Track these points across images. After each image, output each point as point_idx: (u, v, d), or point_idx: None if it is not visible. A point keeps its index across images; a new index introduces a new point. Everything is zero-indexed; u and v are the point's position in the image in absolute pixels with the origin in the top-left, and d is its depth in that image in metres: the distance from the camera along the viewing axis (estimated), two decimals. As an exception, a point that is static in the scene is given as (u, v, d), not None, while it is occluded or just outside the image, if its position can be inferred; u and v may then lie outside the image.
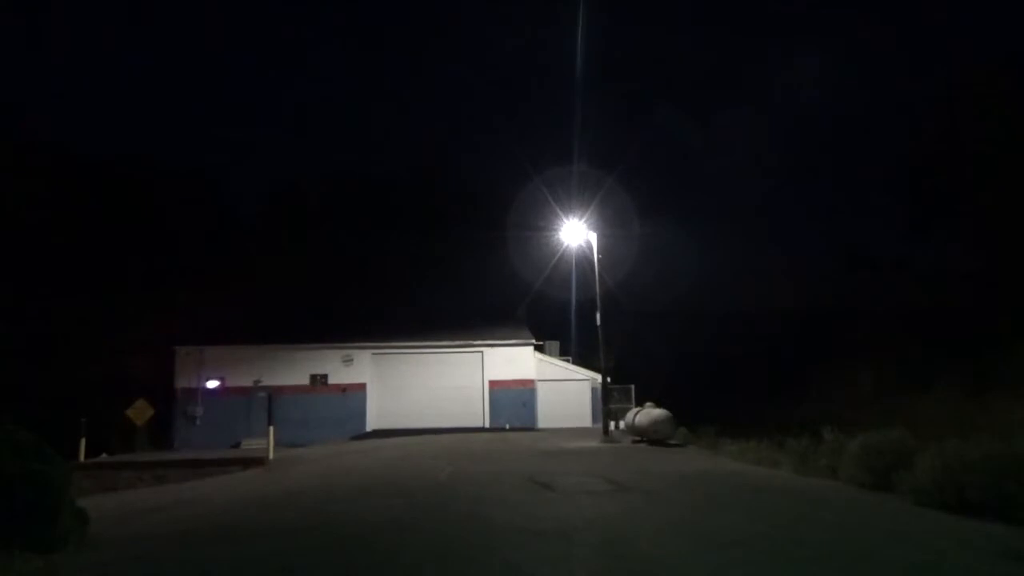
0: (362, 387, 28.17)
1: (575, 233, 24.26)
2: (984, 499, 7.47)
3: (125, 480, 17.25)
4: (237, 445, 24.72)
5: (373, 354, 28.55)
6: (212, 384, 27.20)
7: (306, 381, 28.05)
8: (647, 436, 19.53)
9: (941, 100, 34.10)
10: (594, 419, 27.71)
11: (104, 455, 21.88)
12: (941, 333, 23.93)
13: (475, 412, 28.27)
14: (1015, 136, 26.74)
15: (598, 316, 22.94)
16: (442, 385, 28.51)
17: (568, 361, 31.02)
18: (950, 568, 5.70)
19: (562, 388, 29.05)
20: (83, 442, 20.22)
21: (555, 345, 32.07)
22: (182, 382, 27.30)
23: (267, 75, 75.79)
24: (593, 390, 28.36)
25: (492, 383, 28.64)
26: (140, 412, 23.37)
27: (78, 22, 64.55)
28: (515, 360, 28.88)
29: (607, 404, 23.18)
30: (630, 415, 21.79)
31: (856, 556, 6.13)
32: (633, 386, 28.74)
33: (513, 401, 28.37)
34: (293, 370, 27.97)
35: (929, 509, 8.03)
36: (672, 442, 19.12)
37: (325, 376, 28.22)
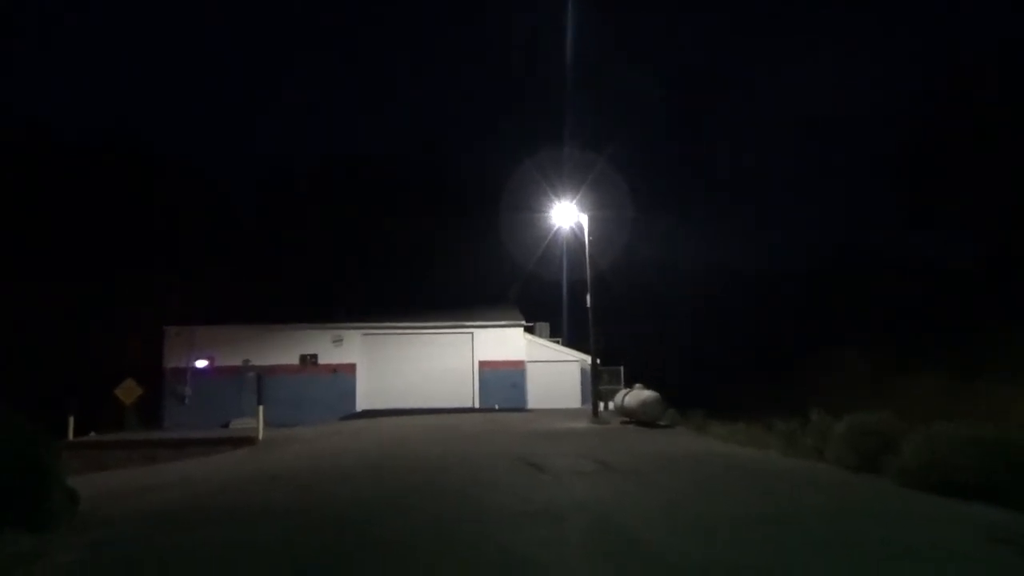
0: (352, 368, 28.17)
1: (566, 215, 24.23)
2: (970, 481, 7.56)
3: (115, 459, 17.17)
4: (227, 425, 24.67)
5: (364, 334, 28.52)
6: (201, 364, 27.14)
7: (296, 361, 28.02)
8: (636, 417, 19.65)
9: (936, 93, 34.21)
10: (583, 400, 27.87)
11: (93, 434, 21.80)
12: (932, 321, 24.15)
13: (465, 393, 28.35)
14: (1003, 130, 26.87)
15: (588, 298, 22.97)
16: (433, 366, 28.55)
17: (558, 343, 31.12)
18: (938, 550, 5.77)
19: (552, 369, 29.16)
20: (71, 421, 20.14)
21: (545, 327, 32.15)
22: (171, 362, 27.22)
23: (261, 58, 74.84)
24: (583, 371, 28.49)
25: (482, 364, 28.70)
26: (128, 391, 23.26)
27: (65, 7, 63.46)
28: (506, 341, 28.94)
29: (596, 385, 23.28)
30: (619, 396, 21.91)
31: (844, 537, 6.21)
32: (622, 367, 28.90)
33: (503, 382, 28.45)
34: (283, 350, 27.93)
35: (916, 491, 8.13)
36: (661, 423, 19.26)
37: (315, 356, 28.19)
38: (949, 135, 29.63)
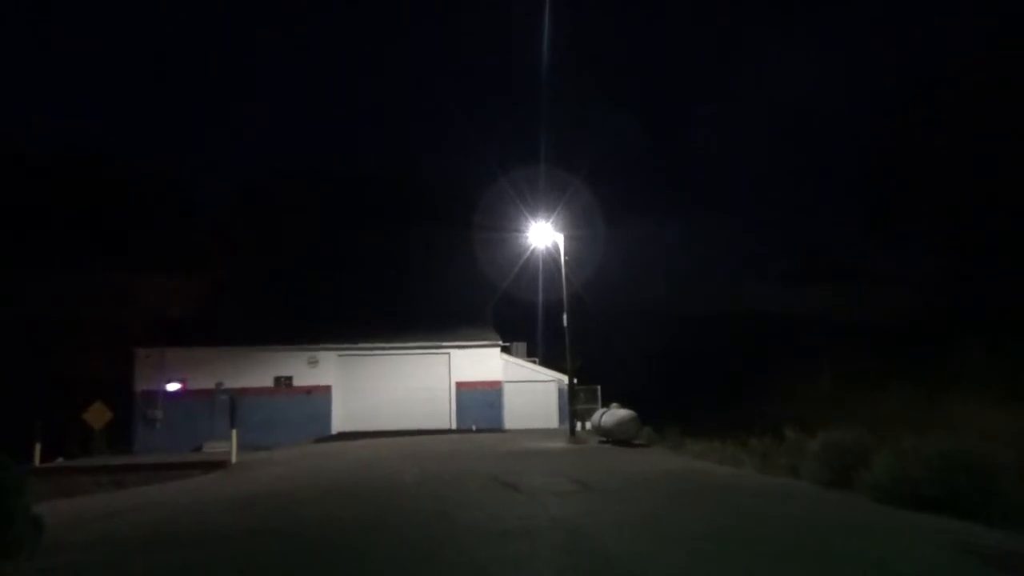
0: (327, 389, 27.89)
1: (542, 235, 24.37)
2: (936, 494, 7.69)
3: (83, 485, 16.81)
4: (199, 448, 24.30)
5: (339, 355, 28.28)
6: (172, 387, 26.70)
7: (270, 383, 27.68)
8: (613, 436, 19.68)
9: (899, 106, 34.91)
10: (561, 420, 27.80)
11: (60, 459, 21.32)
12: (899, 334, 24.51)
13: (442, 413, 28.17)
14: (967, 143, 27.49)
15: (565, 317, 23.06)
16: (409, 387, 28.34)
17: (535, 362, 31.08)
18: (908, 562, 5.85)
19: (529, 389, 29.09)
20: (38, 446, 19.69)
21: (522, 346, 32.10)
22: (142, 384, 26.74)
23: (230, 73, 74.65)
24: (560, 391, 28.45)
25: (459, 384, 28.58)
26: (98, 415, 22.82)
27: (35, 16, 62.87)
28: (482, 361, 28.85)
29: (573, 405, 23.30)
30: (596, 416, 21.94)
31: (817, 553, 6.27)
32: (599, 387, 28.90)
33: (480, 402, 28.34)
34: (257, 372, 27.58)
35: (887, 506, 8.23)
36: (637, 442, 19.29)
37: (290, 378, 27.88)
38: (919, 143, 30.09)
